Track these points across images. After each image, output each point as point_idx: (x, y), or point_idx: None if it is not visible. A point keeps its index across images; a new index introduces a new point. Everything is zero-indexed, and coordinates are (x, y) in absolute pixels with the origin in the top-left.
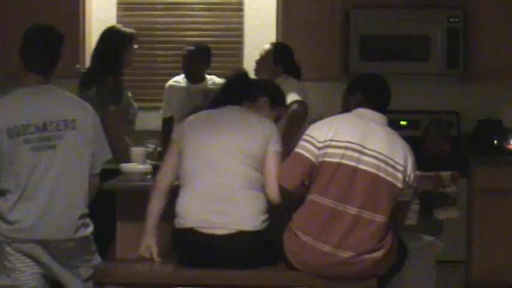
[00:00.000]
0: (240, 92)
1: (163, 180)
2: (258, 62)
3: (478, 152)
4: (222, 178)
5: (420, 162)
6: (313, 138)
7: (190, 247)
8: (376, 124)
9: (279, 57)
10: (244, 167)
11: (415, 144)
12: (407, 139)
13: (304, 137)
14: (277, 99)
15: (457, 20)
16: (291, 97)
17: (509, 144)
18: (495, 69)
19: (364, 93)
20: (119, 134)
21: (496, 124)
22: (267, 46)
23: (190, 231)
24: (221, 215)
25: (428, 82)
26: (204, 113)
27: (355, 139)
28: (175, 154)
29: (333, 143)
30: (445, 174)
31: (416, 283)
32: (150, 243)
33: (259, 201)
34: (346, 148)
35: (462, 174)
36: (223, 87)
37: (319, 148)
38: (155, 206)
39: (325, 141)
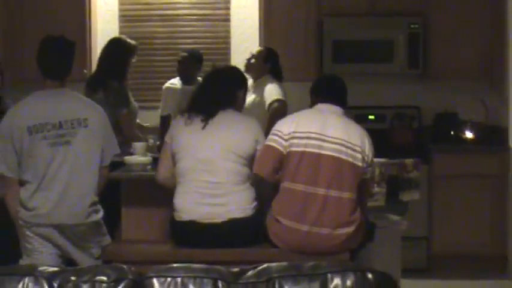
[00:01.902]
0: (224, 101)
1: (162, 175)
2: (248, 60)
3: (437, 142)
4: (215, 177)
5: (386, 152)
6: (280, 132)
7: (189, 235)
8: (334, 115)
9: (268, 57)
10: (236, 166)
11: (382, 135)
12: (374, 132)
13: (273, 131)
14: (246, 84)
15: (417, 26)
16: (273, 96)
17: (463, 134)
18: (451, 69)
19: (317, 93)
20: (132, 132)
21: (452, 117)
22: (259, 48)
23: (189, 223)
24: (215, 207)
25: (392, 81)
26: (194, 118)
27: (316, 129)
28: (169, 156)
29: (296, 135)
30: (409, 161)
31: (384, 257)
32: None
33: (248, 193)
34: (308, 138)
35: (423, 161)
36: (206, 93)
37: (285, 140)
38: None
39: (289, 133)
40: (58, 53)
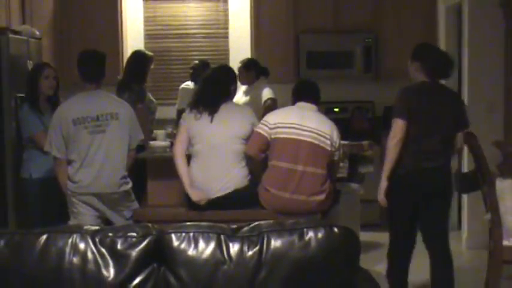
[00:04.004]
0: (223, 95)
1: (179, 150)
2: (238, 73)
3: (386, 128)
4: (222, 157)
5: (348, 136)
6: (267, 122)
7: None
8: (310, 111)
9: (248, 66)
10: (238, 146)
11: (344, 123)
12: (339, 120)
13: (261, 121)
14: (236, 79)
15: (370, 40)
16: (267, 95)
17: None
18: (396, 72)
19: (298, 94)
20: (144, 122)
21: None
22: (239, 63)
23: None
24: (221, 181)
25: (352, 82)
26: (202, 112)
27: (296, 121)
28: (185, 133)
29: (280, 125)
30: (365, 143)
31: (347, 216)
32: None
33: (245, 170)
34: (290, 127)
35: (376, 143)
36: (211, 93)
37: (270, 128)
38: (182, 166)
39: (275, 123)
40: (92, 63)
